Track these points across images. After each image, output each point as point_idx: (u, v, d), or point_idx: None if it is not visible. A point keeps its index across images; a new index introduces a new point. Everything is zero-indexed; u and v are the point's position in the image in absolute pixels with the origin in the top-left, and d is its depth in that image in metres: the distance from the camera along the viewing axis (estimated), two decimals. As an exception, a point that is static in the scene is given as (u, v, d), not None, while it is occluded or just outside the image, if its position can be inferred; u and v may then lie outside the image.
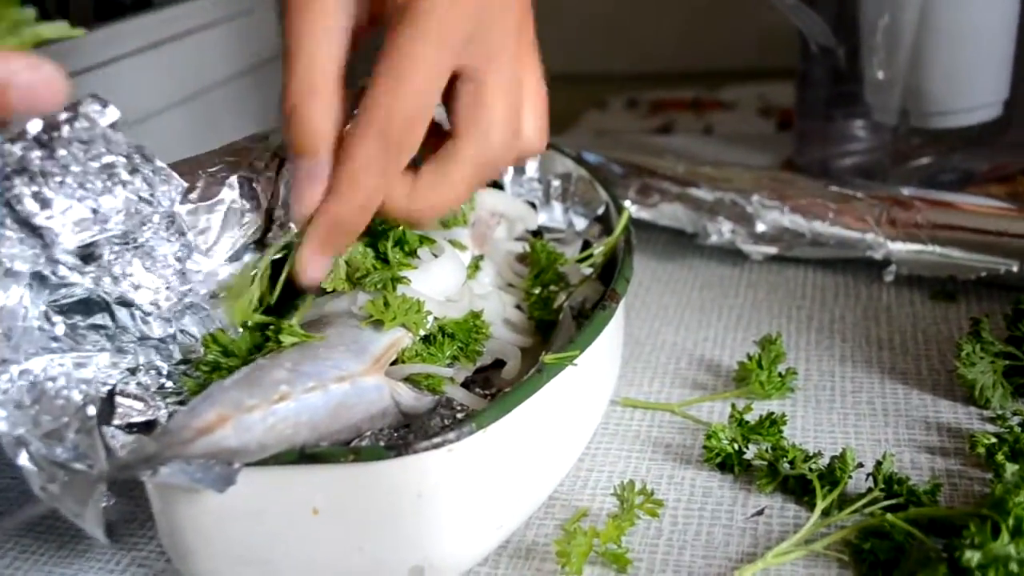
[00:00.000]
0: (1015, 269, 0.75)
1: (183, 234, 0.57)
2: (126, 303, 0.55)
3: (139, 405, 0.54)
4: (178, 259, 0.57)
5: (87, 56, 0.94)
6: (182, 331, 0.57)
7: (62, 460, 0.49)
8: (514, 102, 0.56)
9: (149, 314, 0.55)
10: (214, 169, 0.60)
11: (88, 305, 0.54)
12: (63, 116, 0.50)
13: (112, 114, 0.52)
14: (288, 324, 0.55)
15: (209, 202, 0.58)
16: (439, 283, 0.61)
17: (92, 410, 0.48)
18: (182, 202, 0.57)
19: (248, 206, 0.60)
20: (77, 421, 0.49)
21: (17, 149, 0.49)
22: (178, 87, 1.06)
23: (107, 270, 0.54)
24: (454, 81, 0.54)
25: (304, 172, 0.53)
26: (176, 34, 1.04)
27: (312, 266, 0.55)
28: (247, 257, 0.60)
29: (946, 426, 0.63)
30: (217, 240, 0.59)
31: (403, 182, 0.54)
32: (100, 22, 0.99)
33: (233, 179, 0.60)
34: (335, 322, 0.56)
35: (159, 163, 0.54)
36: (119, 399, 0.53)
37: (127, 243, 0.55)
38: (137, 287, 0.55)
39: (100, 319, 0.55)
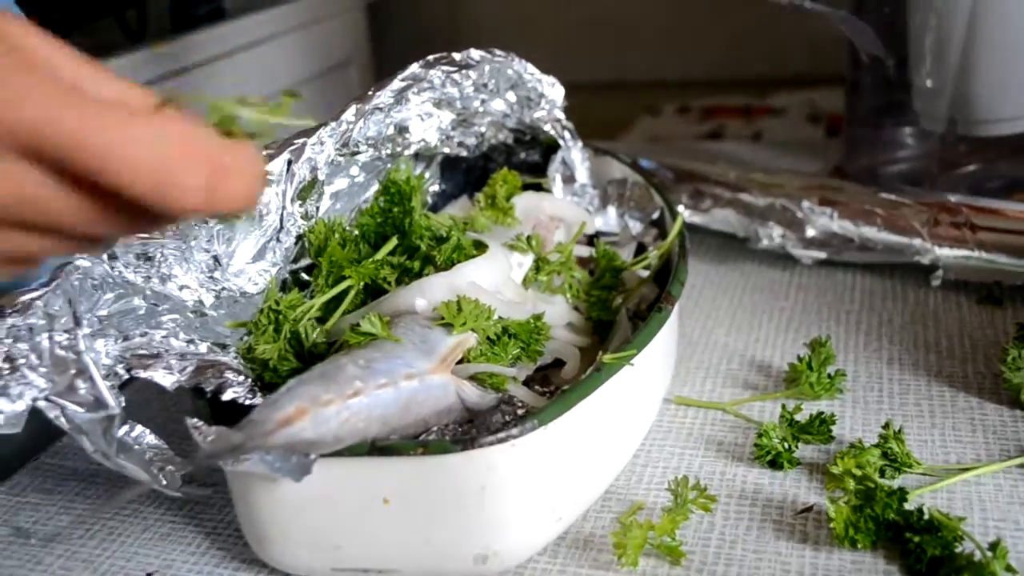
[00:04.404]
0: (1061, 275, 0.76)
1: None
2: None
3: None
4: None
5: (166, 64, 0.98)
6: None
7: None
8: None
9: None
10: None
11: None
12: None
13: None
14: (370, 315, 0.57)
15: None
16: (484, 277, 0.63)
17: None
18: None
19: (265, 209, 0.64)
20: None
21: None
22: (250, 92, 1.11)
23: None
24: None
25: None
26: (246, 43, 1.08)
27: None
28: (269, 255, 0.65)
29: (992, 428, 0.65)
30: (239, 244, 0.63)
31: None
32: (176, 33, 1.04)
33: None
34: (403, 322, 0.58)
35: None
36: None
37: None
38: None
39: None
